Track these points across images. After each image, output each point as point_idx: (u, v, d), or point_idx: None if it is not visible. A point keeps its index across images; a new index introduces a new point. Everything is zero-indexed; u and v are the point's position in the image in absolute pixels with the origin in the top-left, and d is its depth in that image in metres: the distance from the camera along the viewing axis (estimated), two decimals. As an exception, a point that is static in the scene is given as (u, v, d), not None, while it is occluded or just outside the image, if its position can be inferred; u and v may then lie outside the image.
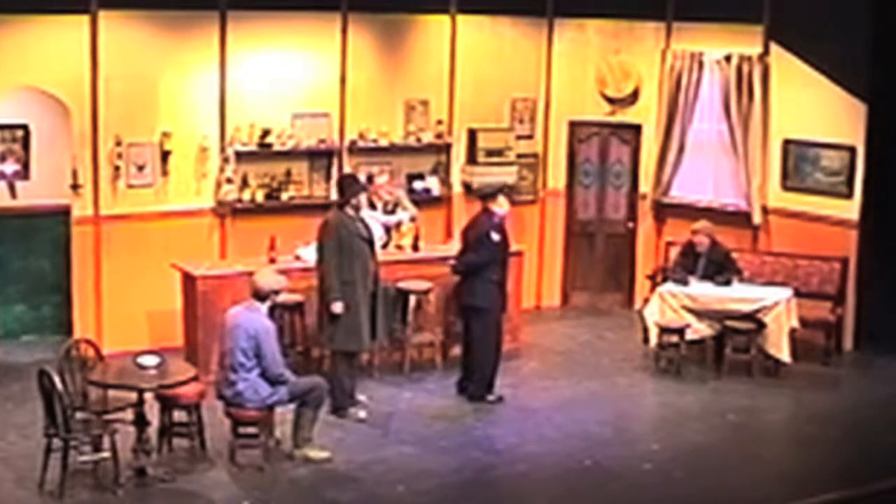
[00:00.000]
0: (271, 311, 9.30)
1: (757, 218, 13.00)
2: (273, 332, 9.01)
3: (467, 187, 13.52)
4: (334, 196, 12.32)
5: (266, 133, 12.24)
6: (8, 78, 11.14)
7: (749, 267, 12.36)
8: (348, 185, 10.30)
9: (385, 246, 11.46)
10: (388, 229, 11.68)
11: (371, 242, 10.27)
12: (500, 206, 10.72)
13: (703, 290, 11.77)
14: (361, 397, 10.51)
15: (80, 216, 11.58)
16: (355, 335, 10.11)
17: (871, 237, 12.35)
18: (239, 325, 8.92)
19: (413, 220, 11.94)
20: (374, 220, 11.08)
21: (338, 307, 9.97)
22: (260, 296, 9.03)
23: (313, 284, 10.52)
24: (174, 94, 11.84)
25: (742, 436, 10.32)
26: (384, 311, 10.55)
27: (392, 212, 11.81)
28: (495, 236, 10.65)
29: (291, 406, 9.21)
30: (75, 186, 11.49)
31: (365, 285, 10.10)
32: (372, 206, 11.38)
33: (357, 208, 10.22)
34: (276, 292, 9.12)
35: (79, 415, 8.72)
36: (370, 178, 11.62)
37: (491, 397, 10.77)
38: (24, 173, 11.91)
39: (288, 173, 12.50)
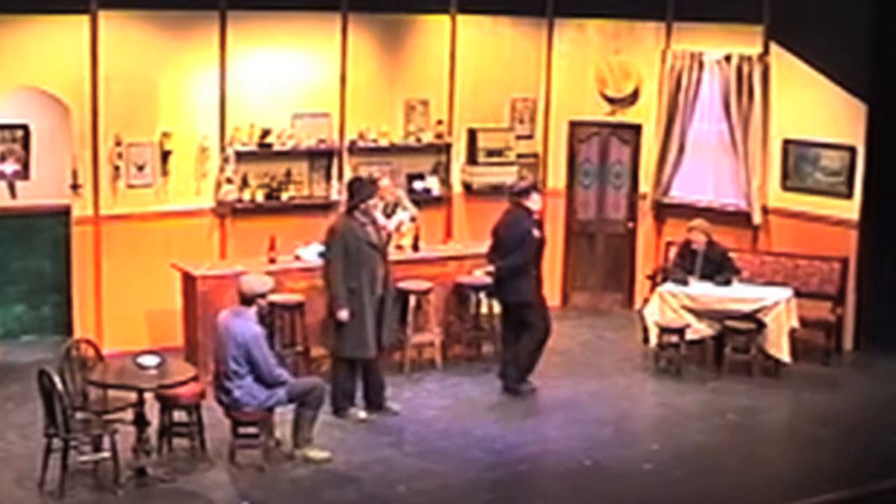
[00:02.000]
0: (270, 312, 9.27)
1: (757, 218, 13.00)
2: (262, 337, 8.95)
3: (467, 187, 13.53)
4: (335, 196, 12.38)
5: (266, 133, 12.24)
6: (8, 78, 11.14)
7: (749, 267, 12.36)
8: (358, 189, 10.16)
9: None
10: (388, 234, 11.65)
11: (380, 247, 10.16)
12: (535, 202, 10.87)
13: (702, 290, 11.76)
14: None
15: (80, 216, 11.58)
16: (362, 343, 10.01)
17: (871, 237, 12.34)
18: (227, 331, 8.88)
19: (413, 220, 11.93)
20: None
21: (343, 315, 9.89)
22: (245, 299, 8.99)
23: (314, 284, 10.51)
24: (174, 94, 11.84)
25: (742, 436, 10.31)
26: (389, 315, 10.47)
27: (392, 212, 11.79)
28: (536, 233, 10.78)
29: (291, 406, 9.20)
30: (75, 186, 11.49)
31: (372, 291, 10.00)
32: (373, 206, 11.36)
33: (367, 213, 10.11)
34: (262, 295, 9.03)
35: (79, 415, 8.72)
36: (372, 181, 11.56)
37: (525, 387, 10.91)
38: (24, 173, 11.90)
39: (288, 173, 12.50)
